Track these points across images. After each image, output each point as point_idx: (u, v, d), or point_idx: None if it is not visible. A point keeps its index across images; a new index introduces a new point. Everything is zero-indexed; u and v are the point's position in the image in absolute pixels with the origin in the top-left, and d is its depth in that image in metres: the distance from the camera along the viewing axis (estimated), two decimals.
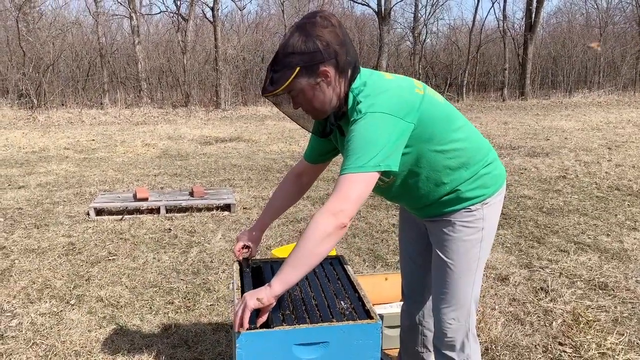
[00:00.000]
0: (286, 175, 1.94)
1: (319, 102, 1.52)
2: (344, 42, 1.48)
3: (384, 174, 1.48)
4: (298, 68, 1.44)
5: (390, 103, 1.47)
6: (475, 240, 1.67)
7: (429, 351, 2.02)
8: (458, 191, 1.63)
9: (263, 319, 1.46)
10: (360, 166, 1.41)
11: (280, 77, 1.45)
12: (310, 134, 1.78)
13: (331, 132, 1.66)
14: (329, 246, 1.42)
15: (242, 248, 1.91)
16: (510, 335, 2.63)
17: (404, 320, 2.03)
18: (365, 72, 1.57)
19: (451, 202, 1.65)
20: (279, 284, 1.44)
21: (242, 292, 1.71)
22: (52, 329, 2.76)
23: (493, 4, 34.11)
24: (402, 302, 2.06)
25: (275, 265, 1.90)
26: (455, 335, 1.72)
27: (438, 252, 1.71)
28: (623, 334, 2.63)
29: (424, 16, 23.01)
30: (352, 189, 1.41)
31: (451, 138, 1.58)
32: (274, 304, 1.46)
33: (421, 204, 1.68)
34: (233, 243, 4.13)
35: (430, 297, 1.94)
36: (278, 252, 2.82)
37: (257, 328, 1.46)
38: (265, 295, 1.43)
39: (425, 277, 1.91)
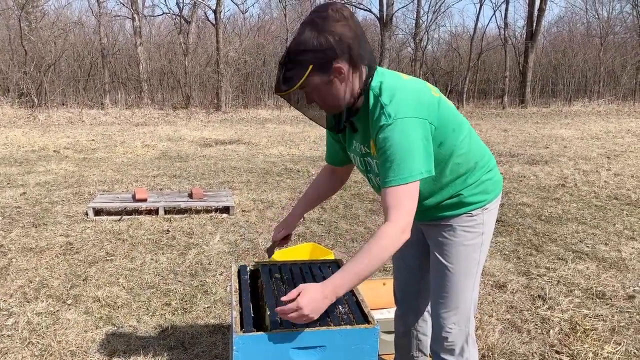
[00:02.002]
0: (321, 170, 1.95)
1: (333, 99, 1.49)
2: (357, 35, 1.43)
3: None
4: (311, 66, 1.40)
5: (414, 105, 1.46)
6: (476, 245, 1.68)
7: (424, 355, 2.01)
8: (461, 195, 1.64)
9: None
10: (407, 176, 1.42)
11: (294, 75, 1.41)
12: (326, 141, 1.78)
13: (345, 128, 1.64)
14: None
15: (279, 242, 1.94)
16: (508, 343, 2.63)
17: (398, 325, 2.03)
18: (382, 71, 1.55)
19: (453, 206, 1.66)
20: (345, 292, 1.46)
21: (240, 295, 1.70)
22: (48, 328, 2.75)
23: (495, 11, 34.38)
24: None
25: (273, 268, 1.90)
26: (456, 339, 1.72)
27: (438, 256, 1.70)
28: (620, 344, 2.63)
29: (425, 22, 23.08)
30: (409, 200, 1.44)
31: (461, 143, 1.59)
32: None
33: (423, 207, 1.68)
34: (231, 245, 4.13)
35: (424, 302, 1.94)
36: (277, 255, 2.81)
37: (255, 331, 1.45)
38: (330, 302, 1.43)
39: (419, 281, 1.90)
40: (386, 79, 1.52)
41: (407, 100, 1.46)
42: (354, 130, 1.63)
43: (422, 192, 1.63)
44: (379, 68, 1.55)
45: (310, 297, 1.38)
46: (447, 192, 1.63)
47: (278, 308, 1.41)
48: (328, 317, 1.55)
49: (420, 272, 1.88)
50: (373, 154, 1.56)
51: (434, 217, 1.70)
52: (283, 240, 1.94)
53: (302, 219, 2.02)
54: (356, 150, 1.65)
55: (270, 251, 1.97)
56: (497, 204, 1.73)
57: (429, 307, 1.93)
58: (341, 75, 1.44)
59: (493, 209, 1.71)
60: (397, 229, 1.42)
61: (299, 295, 1.39)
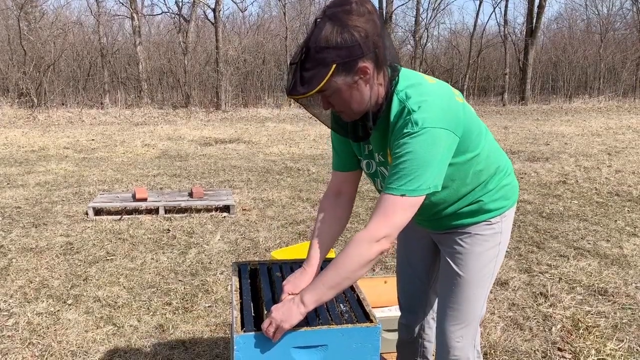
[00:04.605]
0: (322, 202, 1.65)
1: (356, 103, 1.34)
2: (382, 31, 1.29)
3: None
4: (334, 65, 1.24)
5: (444, 115, 1.34)
6: (492, 256, 1.61)
7: None
8: (481, 202, 1.56)
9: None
10: (413, 189, 1.31)
11: (314, 75, 1.26)
12: (332, 148, 1.64)
13: (368, 135, 1.45)
14: (366, 270, 1.37)
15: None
16: (510, 341, 2.62)
17: (403, 333, 1.96)
18: (407, 73, 1.43)
19: (473, 214, 1.58)
20: (313, 303, 1.38)
21: (241, 294, 1.69)
22: (48, 328, 2.75)
23: (494, 8, 34.36)
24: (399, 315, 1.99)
25: (274, 267, 1.89)
26: (461, 353, 1.66)
27: (452, 264, 1.62)
28: (622, 340, 2.62)
29: (425, 20, 23.06)
30: (399, 213, 1.33)
31: (482, 148, 1.50)
32: None
33: (441, 215, 1.60)
34: (232, 244, 4.12)
35: (429, 310, 1.88)
36: (277, 254, 2.80)
37: (256, 330, 1.44)
38: (300, 315, 1.38)
39: (426, 290, 1.85)
40: (413, 83, 1.39)
41: (436, 108, 1.34)
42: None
43: (442, 201, 1.55)
44: (403, 69, 1.42)
45: (281, 307, 1.39)
46: (467, 199, 1.55)
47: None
48: (329, 315, 1.54)
49: (428, 281, 1.83)
50: (390, 162, 1.42)
51: (451, 226, 1.61)
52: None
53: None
54: (372, 157, 1.55)
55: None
56: (514, 210, 1.66)
57: (434, 314, 1.86)
58: (366, 76, 1.30)
59: (511, 217, 1.64)
60: (372, 237, 1.32)
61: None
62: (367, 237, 1.33)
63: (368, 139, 1.47)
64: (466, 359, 1.68)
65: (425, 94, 1.36)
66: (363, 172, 1.66)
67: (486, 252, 1.60)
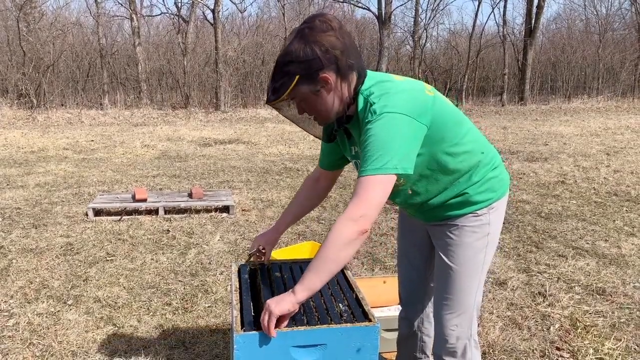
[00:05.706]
0: (304, 181, 1.94)
1: (323, 107, 1.51)
2: (345, 45, 1.45)
3: (398, 176, 1.46)
4: (297, 77, 1.43)
5: (404, 103, 1.46)
6: (481, 246, 1.66)
7: (428, 357, 2.00)
8: (466, 194, 1.62)
9: (284, 324, 1.46)
10: (378, 168, 1.40)
11: (281, 85, 1.45)
12: (321, 145, 1.78)
13: (335, 137, 1.65)
14: (351, 252, 1.43)
15: (258, 252, 1.89)
16: (508, 340, 2.63)
17: (403, 327, 2.00)
18: (374, 74, 1.56)
19: (459, 206, 1.63)
20: (303, 291, 1.43)
21: (240, 294, 1.71)
22: (49, 329, 2.76)
23: (493, 9, 34.38)
24: (400, 308, 2.04)
25: (273, 267, 1.90)
26: (457, 342, 1.70)
27: (443, 256, 1.68)
28: (620, 340, 2.63)
29: (424, 20, 23.06)
30: (371, 193, 1.40)
31: (461, 140, 1.58)
32: (297, 309, 1.46)
33: (429, 206, 1.66)
34: (231, 245, 4.13)
35: (429, 304, 1.92)
36: (277, 255, 2.81)
37: (255, 330, 1.45)
38: (291, 302, 1.43)
39: (426, 283, 1.89)
40: (378, 81, 1.52)
41: (395, 97, 1.46)
42: (349, 136, 1.63)
43: (427, 191, 1.62)
44: (370, 73, 1.55)
45: (275, 297, 1.46)
46: (452, 190, 1.61)
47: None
48: (329, 315, 1.55)
49: (426, 274, 1.87)
50: None
51: (440, 217, 1.68)
52: (259, 253, 1.89)
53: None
54: (359, 158, 1.62)
55: (247, 262, 1.92)
56: (504, 203, 1.71)
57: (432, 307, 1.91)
58: (328, 85, 1.46)
59: (500, 208, 1.68)
60: (349, 217, 1.40)
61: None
62: (345, 218, 1.41)
63: (335, 139, 1.68)
64: (462, 347, 1.72)
65: (387, 88, 1.49)
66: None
67: (475, 243, 1.65)
